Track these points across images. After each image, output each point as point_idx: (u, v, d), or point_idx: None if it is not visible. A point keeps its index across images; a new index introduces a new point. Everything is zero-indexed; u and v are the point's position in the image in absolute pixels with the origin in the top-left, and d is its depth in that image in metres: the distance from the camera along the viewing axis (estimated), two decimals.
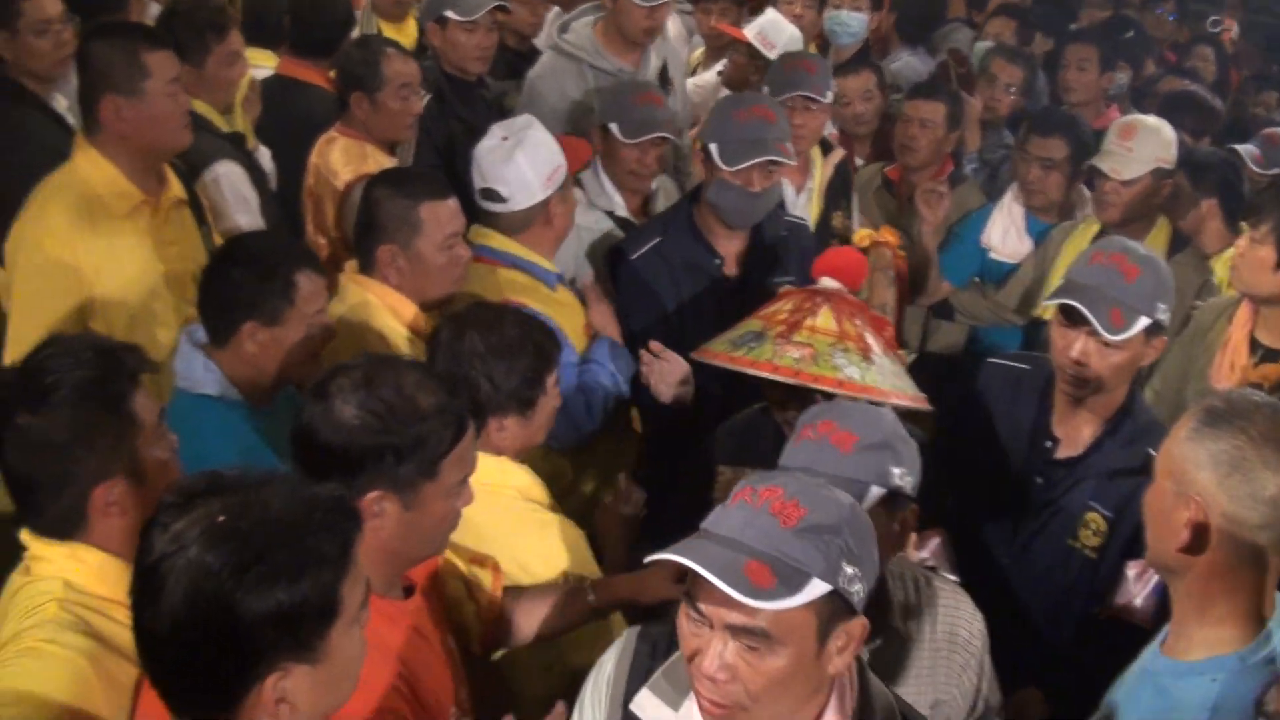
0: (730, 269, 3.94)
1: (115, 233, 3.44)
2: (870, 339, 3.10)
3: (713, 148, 3.79)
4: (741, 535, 1.86)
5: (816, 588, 1.83)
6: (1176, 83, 6.63)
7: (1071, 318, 3.01)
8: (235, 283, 2.95)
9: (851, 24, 5.97)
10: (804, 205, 4.70)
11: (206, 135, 4.11)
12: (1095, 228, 4.57)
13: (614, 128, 4.20)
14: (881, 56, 6.63)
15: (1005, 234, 4.92)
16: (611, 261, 4.03)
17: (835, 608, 1.87)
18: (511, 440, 2.94)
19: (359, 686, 2.07)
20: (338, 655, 1.72)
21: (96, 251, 3.40)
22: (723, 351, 3.13)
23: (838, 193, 4.89)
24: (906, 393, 3.08)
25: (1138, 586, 2.98)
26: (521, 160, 3.68)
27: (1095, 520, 3.07)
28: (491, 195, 3.72)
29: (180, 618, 1.62)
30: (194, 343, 2.99)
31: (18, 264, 3.44)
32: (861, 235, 4.48)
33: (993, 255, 4.95)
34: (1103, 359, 2.98)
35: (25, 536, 2.25)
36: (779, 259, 3.99)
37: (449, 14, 4.74)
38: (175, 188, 3.67)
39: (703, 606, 1.86)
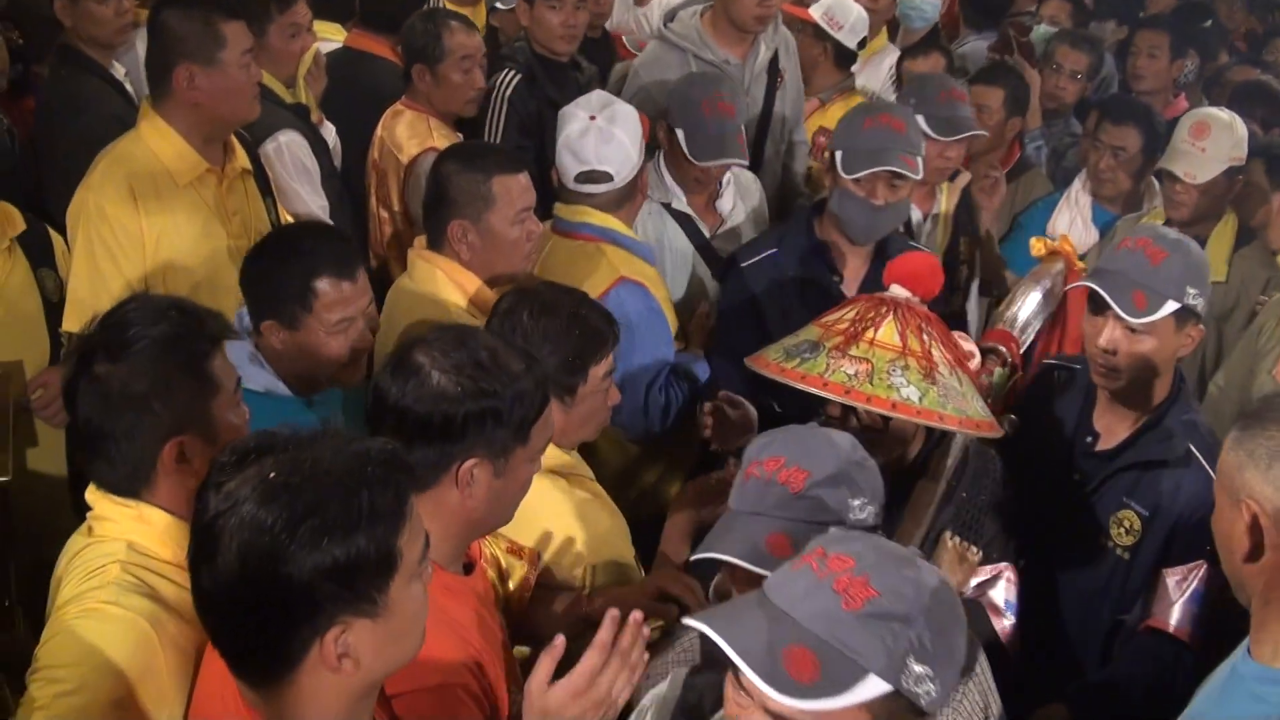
0: (850, 289, 3.69)
1: (178, 202, 3.45)
2: (938, 354, 2.86)
3: (837, 155, 3.66)
4: (793, 609, 1.65)
5: (872, 686, 1.62)
6: (1248, 71, 6.49)
7: (1097, 304, 2.96)
8: (258, 278, 2.96)
9: (925, 8, 5.96)
10: (929, 233, 4.55)
11: (269, 106, 4.11)
12: (1160, 221, 4.50)
13: (681, 138, 4.00)
14: (951, 40, 6.58)
15: (1071, 224, 4.85)
16: (724, 269, 3.91)
17: (897, 708, 1.66)
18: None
19: (427, 658, 2.07)
20: (399, 609, 1.71)
21: (158, 221, 3.41)
22: (775, 361, 2.89)
23: (964, 219, 4.66)
24: (973, 417, 2.82)
25: (1176, 594, 2.91)
26: (622, 136, 3.67)
27: (1129, 518, 3.00)
28: (597, 177, 3.67)
29: (236, 575, 1.62)
30: (243, 329, 2.95)
31: (79, 232, 3.45)
32: (1037, 244, 4.03)
33: None
34: (1131, 346, 2.90)
35: (90, 495, 2.26)
36: None
37: None
38: (241, 158, 3.68)
39: (742, 680, 1.67)
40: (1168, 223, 4.36)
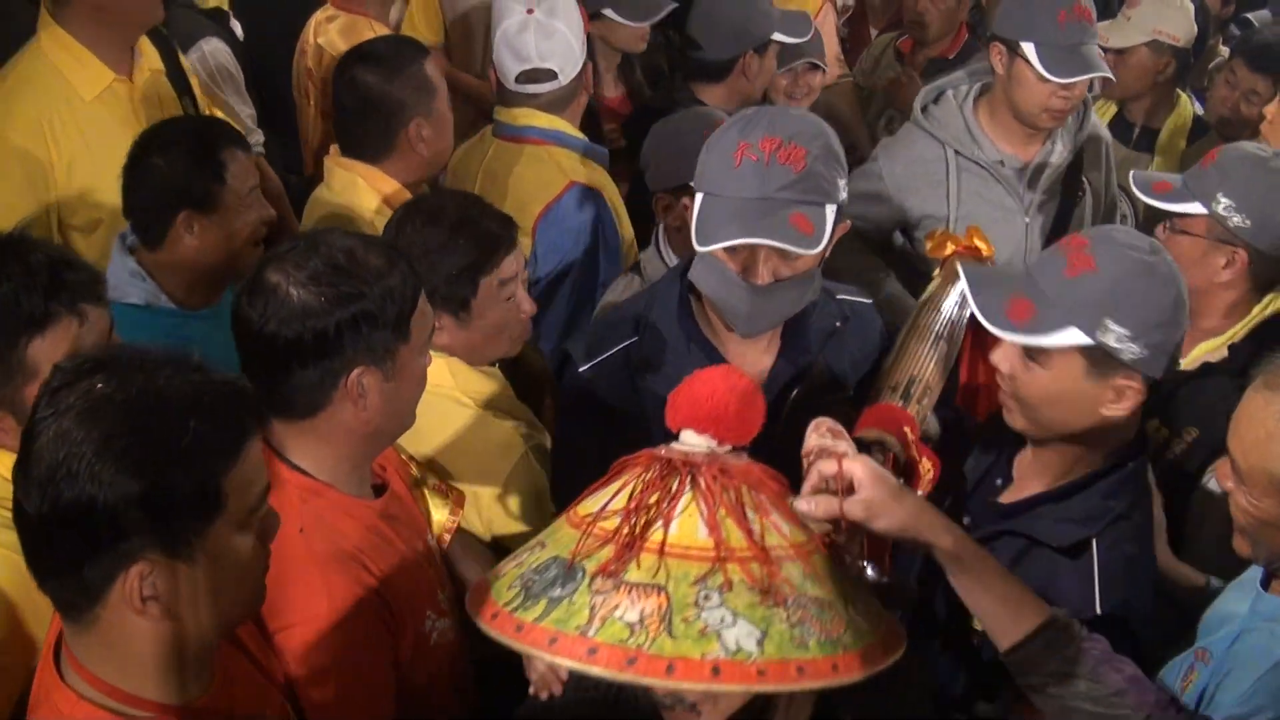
0: None
1: (87, 121, 3.25)
2: (779, 540, 1.68)
3: (694, 207, 2.34)
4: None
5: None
6: None
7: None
8: (160, 172, 2.82)
9: None
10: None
11: (189, 14, 4.05)
12: (1112, 108, 4.45)
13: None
14: None
15: None
16: (558, 365, 2.69)
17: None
18: (450, 342, 2.67)
19: (316, 594, 2.06)
20: (219, 557, 1.62)
21: (68, 146, 3.24)
22: (507, 608, 1.63)
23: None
24: (855, 646, 1.63)
25: None
26: (564, 29, 3.52)
27: None
28: (540, 76, 3.51)
29: (42, 489, 1.54)
30: (125, 248, 2.88)
31: None
32: (936, 237, 2.74)
33: None
34: (1023, 374, 2.20)
35: None
36: (833, 369, 2.58)
37: None
38: (151, 58, 3.50)
39: None
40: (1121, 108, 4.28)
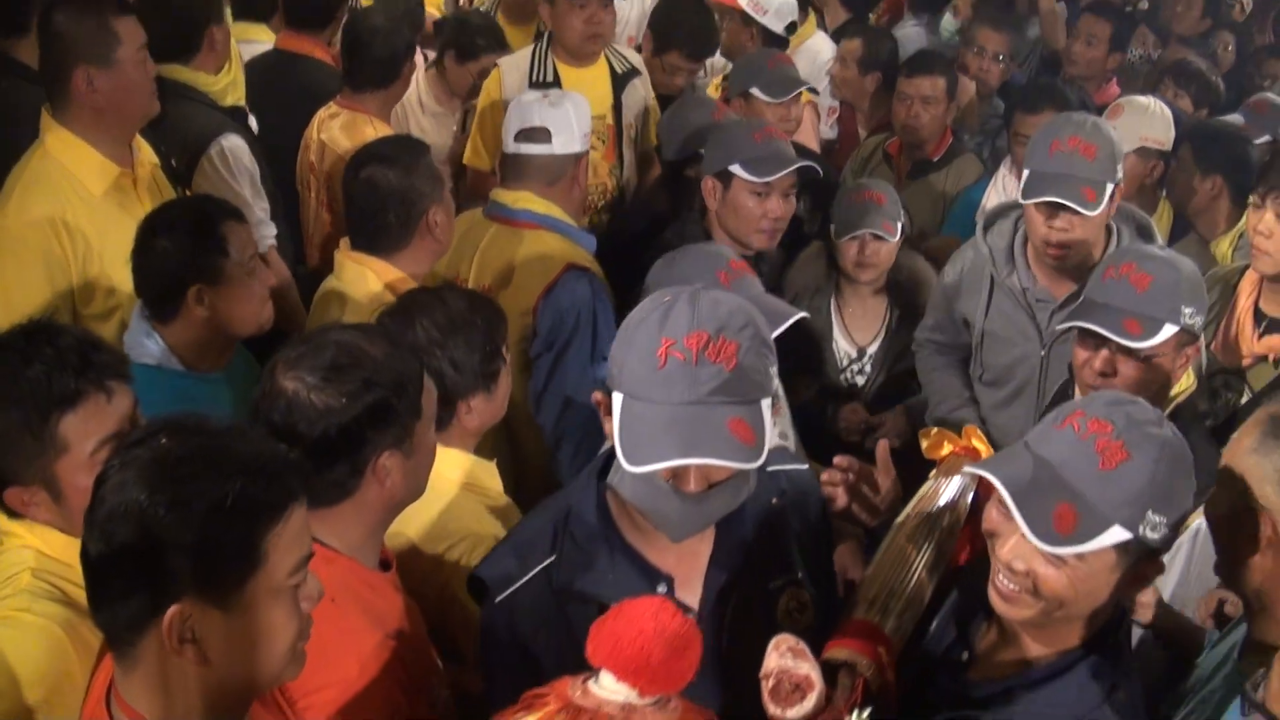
0: (686, 591, 2.21)
1: (97, 213, 3.38)
2: None
3: (614, 411, 2.04)
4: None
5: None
6: (1180, 52, 6.57)
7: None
8: (167, 253, 2.96)
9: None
10: None
11: (208, 110, 4.14)
12: None
13: None
14: (893, 24, 6.67)
15: None
16: (472, 587, 2.32)
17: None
18: (479, 420, 2.88)
19: (348, 659, 2.15)
20: (256, 612, 1.71)
21: (81, 240, 3.35)
22: None
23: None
24: None
25: None
26: (570, 108, 3.73)
27: None
28: (537, 135, 3.70)
29: (102, 531, 1.66)
30: (143, 315, 3.02)
31: (4, 264, 3.35)
32: (933, 436, 2.59)
33: None
34: (1053, 574, 2.02)
35: None
36: (776, 552, 2.30)
37: None
38: (147, 153, 3.65)
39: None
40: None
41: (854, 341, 4.24)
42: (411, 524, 2.68)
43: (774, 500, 2.29)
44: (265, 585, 1.71)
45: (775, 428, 2.10)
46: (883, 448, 2.56)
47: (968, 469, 2.28)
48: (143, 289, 3.03)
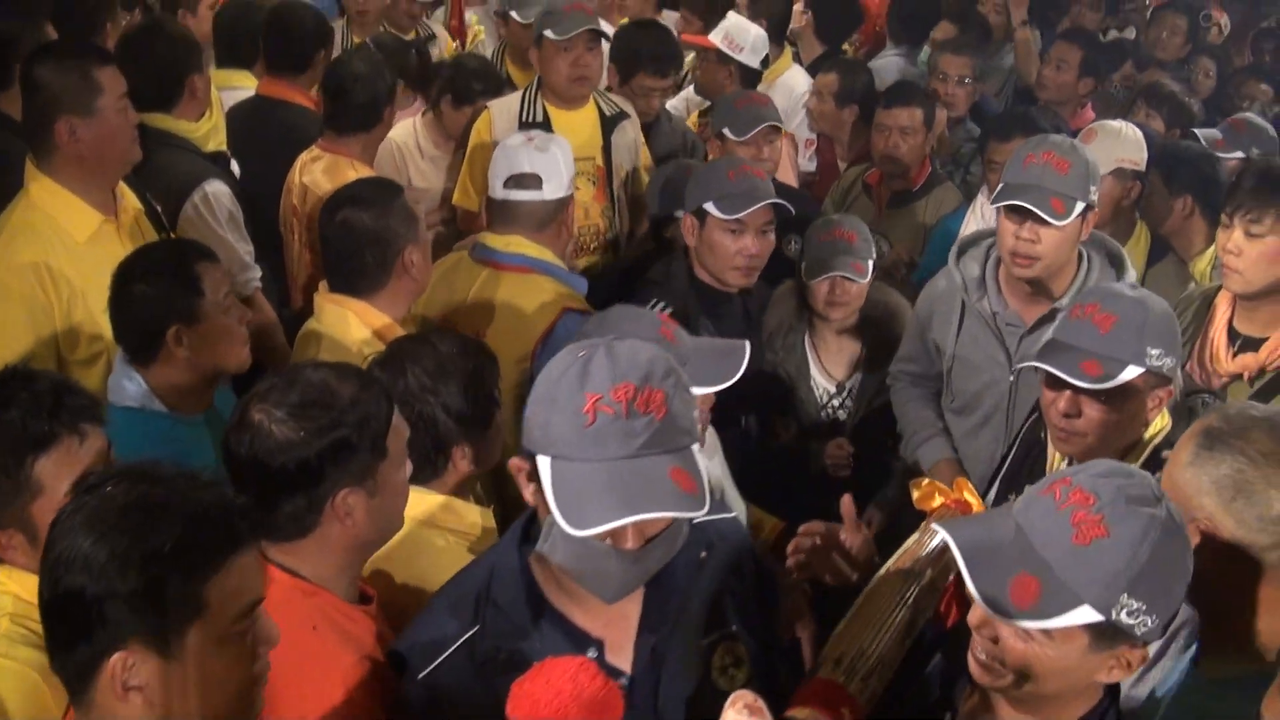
0: (617, 654, 2.14)
1: (81, 260, 3.43)
2: None
3: (544, 479, 1.97)
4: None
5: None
6: (1155, 74, 6.64)
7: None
8: (144, 296, 3.01)
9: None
10: None
11: (191, 156, 4.20)
12: None
13: None
14: (871, 55, 6.73)
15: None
16: (393, 660, 2.27)
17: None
18: (474, 466, 2.86)
19: (333, 685, 2.18)
20: (201, 660, 1.74)
21: (66, 287, 3.40)
22: None
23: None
24: None
25: None
26: (557, 153, 3.78)
27: None
28: (527, 181, 3.75)
29: (50, 577, 1.70)
30: (125, 360, 3.06)
31: None
32: (924, 487, 2.50)
33: None
34: (1021, 648, 1.93)
35: None
36: (710, 605, 2.24)
37: None
38: (130, 199, 3.70)
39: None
40: None
41: (832, 377, 4.24)
42: (399, 565, 2.69)
43: (702, 554, 2.21)
44: (209, 632, 1.74)
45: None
46: (847, 504, 2.47)
47: (934, 525, 2.21)
48: (121, 334, 3.07)
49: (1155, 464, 2.83)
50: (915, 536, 2.32)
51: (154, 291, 3.00)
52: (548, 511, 1.94)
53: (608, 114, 4.86)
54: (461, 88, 5.07)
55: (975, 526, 1.99)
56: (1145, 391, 2.87)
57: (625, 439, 1.89)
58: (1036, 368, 2.91)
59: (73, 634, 1.71)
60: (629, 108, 5.00)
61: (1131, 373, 2.81)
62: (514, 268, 3.75)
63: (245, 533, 1.81)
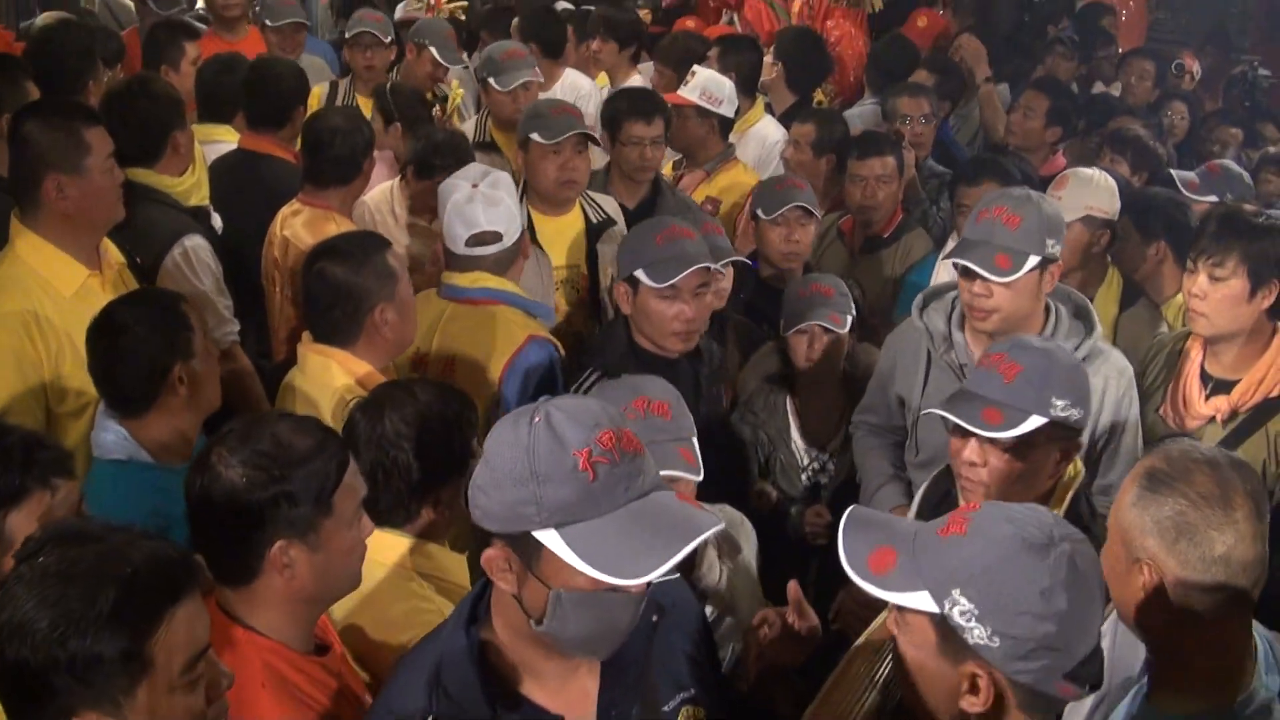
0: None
1: (68, 314, 3.46)
2: None
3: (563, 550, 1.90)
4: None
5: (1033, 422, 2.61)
6: (1124, 121, 6.72)
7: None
8: (139, 342, 3.02)
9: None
10: None
11: (171, 211, 4.25)
12: None
13: None
14: (848, 104, 6.82)
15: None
16: None
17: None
18: (451, 512, 2.87)
19: None
20: (154, 714, 1.75)
21: (54, 340, 3.43)
22: None
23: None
24: None
25: None
26: (505, 198, 3.84)
27: None
28: (487, 238, 3.81)
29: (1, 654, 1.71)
30: (107, 413, 3.07)
31: None
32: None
33: None
34: (899, 637, 2.03)
35: None
36: (668, 669, 2.20)
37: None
38: (114, 253, 3.75)
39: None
40: None
41: (814, 440, 4.22)
42: (375, 611, 2.71)
43: (654, 618, 2.13)
44: (159, 686, 1.76)
45: None
46: (793, 588, 2.36)
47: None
48: (114, 387, 3.07)
49: (1076, 513, 2.90)
50: (885, 614, 2.21)
51: (150, 334, 3.02)
52: (546, 588, 1.88)
53: (594, 221, 4.72)
54: (423, 162, 4.95)
55: (881, 515, 2.13)
56: (1051, 443, 2.88)
57: (629, 481, 1.88)
58: (942, 416, 2.92)
59: (24, 704, 1.72)
60: (615, 211, 4.85)
61: (1034, 423, 2.80)
62: (480, 301, 3.82)
63: (184, 582, 1.83)
